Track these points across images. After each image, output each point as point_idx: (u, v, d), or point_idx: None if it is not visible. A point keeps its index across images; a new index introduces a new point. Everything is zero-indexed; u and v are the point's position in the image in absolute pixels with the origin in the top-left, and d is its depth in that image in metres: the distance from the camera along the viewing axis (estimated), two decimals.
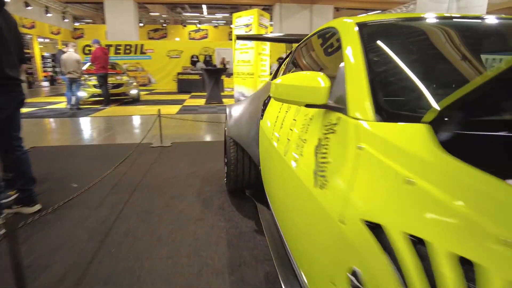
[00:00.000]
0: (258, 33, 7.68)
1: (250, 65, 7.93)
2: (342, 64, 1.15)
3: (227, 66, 11.88)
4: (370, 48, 1.14)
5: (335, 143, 0.96)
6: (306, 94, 1.06)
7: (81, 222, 2.22)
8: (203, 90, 13.01)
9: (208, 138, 5.03)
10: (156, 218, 2.27)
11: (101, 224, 2.19)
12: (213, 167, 3.43)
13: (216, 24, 21.19)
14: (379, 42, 1.20)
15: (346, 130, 0.94)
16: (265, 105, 2.05)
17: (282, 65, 2.41)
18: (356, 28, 1.24)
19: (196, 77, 13.15)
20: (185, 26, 21.35)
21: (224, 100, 9.71)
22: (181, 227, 2.16)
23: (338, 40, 1.31)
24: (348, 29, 1.27)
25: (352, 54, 1.13)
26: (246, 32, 7.87)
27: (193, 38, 21.35)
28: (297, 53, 2.00)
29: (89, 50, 14.31)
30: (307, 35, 2.17)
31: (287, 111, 1.53)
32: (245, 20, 7.83)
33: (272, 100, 1.96)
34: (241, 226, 2.17)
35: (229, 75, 13.38)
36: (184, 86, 13.05)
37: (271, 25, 13.70)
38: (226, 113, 2.57)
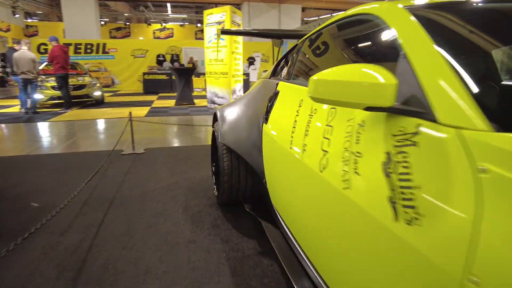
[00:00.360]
0: (231, 38, 7.36)
1: (223, 64, 7.59)
2: (401, 55, 0.90)
3: (196, 65, 11.45)
4: (437, 35, 0.90)
5: (422, 160, 0.70)
6: (365, 94, 0.80)
7: (47, 254, 1.81)
8: (171, 91, 12.49)
9: (185, 142, 4.65)
10: (140, 243, 1.92)
11: (73, 254, 1.81)
12: (196, 176, 3.09)
13: (182, 23, 20.55)
14: (444, 29, 0.96)
15: (440, 142, 0.68)
16: (269, 106, 1.77)
17: (282, 62, 2.13)
18: (409, 13, 1.00)
19: (163, 77, 12.59)
20: (149, 25, 20.52)
21: (196, 101, 9.31)
22: (171, 253, 1.82)
23: (383, 28, 1.06)
24: (399, 15, 1.02)
25: (418, 43, 0.88)
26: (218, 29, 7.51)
27: (158, 37, 20.58)
28: (312, 46, 1.72)
29: (45, 48, 13.29)
30: (305, 30, 1.92)
31: (311, 114, 1.25)
32: (217, 17, 7.49)
33: (279, 100, 1.69)
34: (242, 248, 1.87)
35: (198, 74, 12.97)
36: (151, 86, 12.44)
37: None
38: (217, 117, 2.25)
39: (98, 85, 9.04)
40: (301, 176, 1.24)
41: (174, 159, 3.68)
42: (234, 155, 2.13)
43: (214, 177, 2.64)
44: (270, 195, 1.73)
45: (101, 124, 6.13)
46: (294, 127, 1.37)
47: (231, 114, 2.17)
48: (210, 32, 7.71)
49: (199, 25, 20.04)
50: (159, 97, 11.00)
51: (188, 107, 8.40)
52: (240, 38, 8.06)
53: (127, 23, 20.21)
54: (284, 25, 16.48)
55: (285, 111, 1.55)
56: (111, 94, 12.12)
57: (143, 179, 3.02)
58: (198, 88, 13.48)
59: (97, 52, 13.72)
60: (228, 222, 2.18)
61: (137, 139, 4.35)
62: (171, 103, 9.22)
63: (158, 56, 14.51)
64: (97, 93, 8.81)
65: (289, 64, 1.86)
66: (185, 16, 20.18)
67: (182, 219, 2.23)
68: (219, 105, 8.29)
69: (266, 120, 1.76)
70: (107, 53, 13.83)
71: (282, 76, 1.90)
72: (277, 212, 1.66)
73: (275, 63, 2.34)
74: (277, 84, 1.83)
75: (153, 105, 8.83)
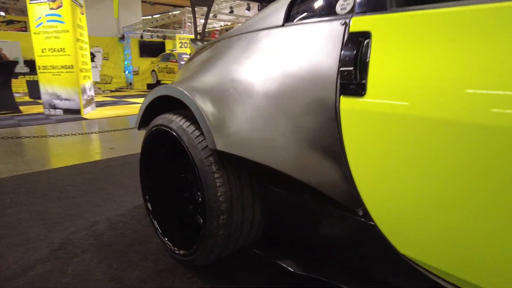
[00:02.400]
0: (72, 13, 5.56)
1: (66, 55, 5.69)
2: None
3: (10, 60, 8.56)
4: None
5: None
6: None
7: None
8: None
9: (36, 164, 2.94)
10: None
11: None
12: (99, 218, 1.79)
13: None
14: None
15: None
16: (356, 63, 0.85)
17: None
18: None
19: None
20: None
21: (22, 108, 6.82)
22: None
23: None
24: None
25: None
26: (52, 8, 5.55)
27: None
28: None
29: None
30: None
31: None
32: None
33: (389, 46, 0.81)
34: None
35: (16, 75, 9.86)
36: None
37: None
38: (191, 101, 1.13)
39: None
40: None
41: (36, 195, 2.15)
42: (232, 173, 1.11)
43: (156, 221, 1.49)
44: (395, 246, 0.84)
45: None
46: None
47: (230, 93, 1.11)
48: (38, 11, 5.66)
49: (2, 14, 15.48)
50: None
51: (13, 117, 5.99)
52: (84, 22, 6.29)
53: None
54: (122, 18, 14.54)
55: (435, 59, 0.71)
56: None
57: None
58: (18, 93, 10.31)
59: None
60: None
61: None
62: None
63: None
64: None
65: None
66: None
67: None
68: (64, 110, 6.21)
69: (356, 88, 0.85)
70: None
71: (343, 11, 1.00)
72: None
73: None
74: (346, 24, 0.93)
75: None
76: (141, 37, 15.18)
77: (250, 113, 1.05)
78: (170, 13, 12.72)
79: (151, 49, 15.27)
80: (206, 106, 1.09)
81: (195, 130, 1.14)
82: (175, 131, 1.21)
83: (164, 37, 15.90)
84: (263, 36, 1.22)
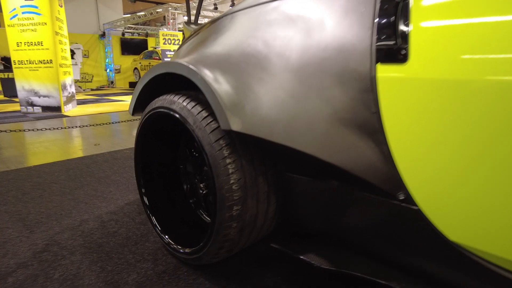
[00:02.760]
0: (50, 5, 5.27)
1: (43, 49, 5.39)
2: None
3: None
4: None
5: None
6: None
7: None
8: None
9: (14, 162, 2.71)
10: None
11: None
12: (87, 217, 1.62)
13: None
14: None
15: None
16: (393, 22, 0.74)
17: None
18: None
19: None
20: None
21: None
22: None
23: None
24: None
25: None
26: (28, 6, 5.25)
27: None
28: None
29: None
30: None
31: None
32: None
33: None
34: None
35: None
36: None
37: None
38: (195, 75, 0.98)
39: None
40: None
41: (16, 194, 1.95)
42: (246, 157, 0.98)
43: (154, 217, 1.34)
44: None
45: None
46: None
47: (242, 67, 0.97)
48: (12, 2, 5.34)
49: None
50: None
51: None
52: (63, 15, 6.00)
53: None
54: (103, 16, 14.12)
55: None
56: None
57: None
58: None
59: None
60: None
61: None
62: None
63: None
64: None
65: None
66: None
67: None
68: (43, 107, 5.87)
69: (396, 54, 0.73)
70: None
71: None
72: None
73: None
74: None
75: None
76: (123, 34, 14.78)
77: (268, 89, 0.92)
78: (152, 10, 12.38)
79: (133, 47, 14.89)
80: (216, 82, 0.95)
81: (202, 110, 1.00)
82: (178, 112, 1.06)
83: (147, 35, 15.53)
84: (275, 8, 1.08)
